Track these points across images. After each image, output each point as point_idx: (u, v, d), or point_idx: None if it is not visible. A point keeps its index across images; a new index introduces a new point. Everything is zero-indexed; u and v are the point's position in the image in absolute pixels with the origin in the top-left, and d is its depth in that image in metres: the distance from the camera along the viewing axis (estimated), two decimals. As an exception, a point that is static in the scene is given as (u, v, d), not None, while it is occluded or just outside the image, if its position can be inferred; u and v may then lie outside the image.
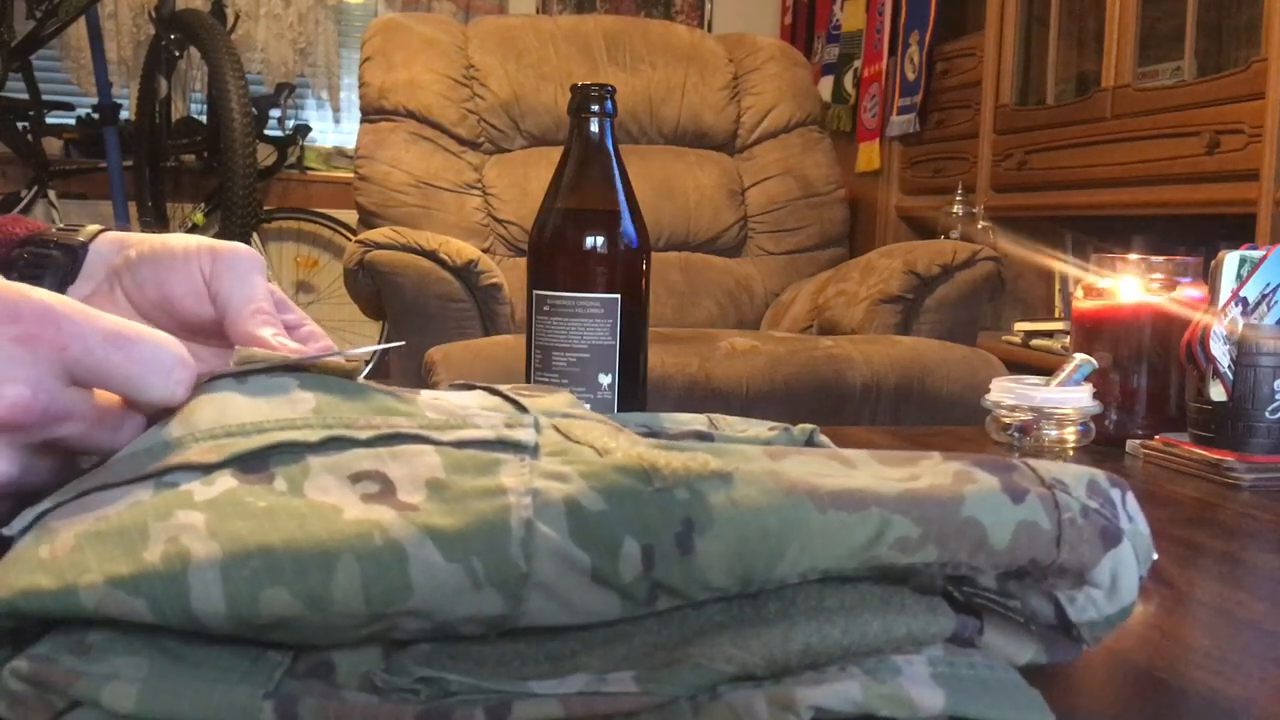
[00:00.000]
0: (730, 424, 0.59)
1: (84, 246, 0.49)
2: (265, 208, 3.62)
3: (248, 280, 0.47)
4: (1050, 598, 0.35)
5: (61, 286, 0.48)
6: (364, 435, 0.35)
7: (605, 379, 0.80)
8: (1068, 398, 0.86)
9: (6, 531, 0.33)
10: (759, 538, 0.32)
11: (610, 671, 0.31)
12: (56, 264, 0.48)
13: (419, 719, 0.30)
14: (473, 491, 0.33)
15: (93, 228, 0.50)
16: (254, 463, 0.34)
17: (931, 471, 0.35)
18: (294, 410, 0.36)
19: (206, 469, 0.33)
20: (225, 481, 0.33)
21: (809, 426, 0.58)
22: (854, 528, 0.32)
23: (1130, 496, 0.37)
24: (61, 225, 0.50)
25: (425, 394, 0.42)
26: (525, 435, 0.36)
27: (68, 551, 0.31)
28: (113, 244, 0.49)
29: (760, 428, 0.58)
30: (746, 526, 0.32)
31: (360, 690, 0.31)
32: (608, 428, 0.38)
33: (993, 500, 0.34)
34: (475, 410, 0.40)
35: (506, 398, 0.43)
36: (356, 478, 0.34)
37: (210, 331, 0.48)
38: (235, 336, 0.46)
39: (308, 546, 0.30)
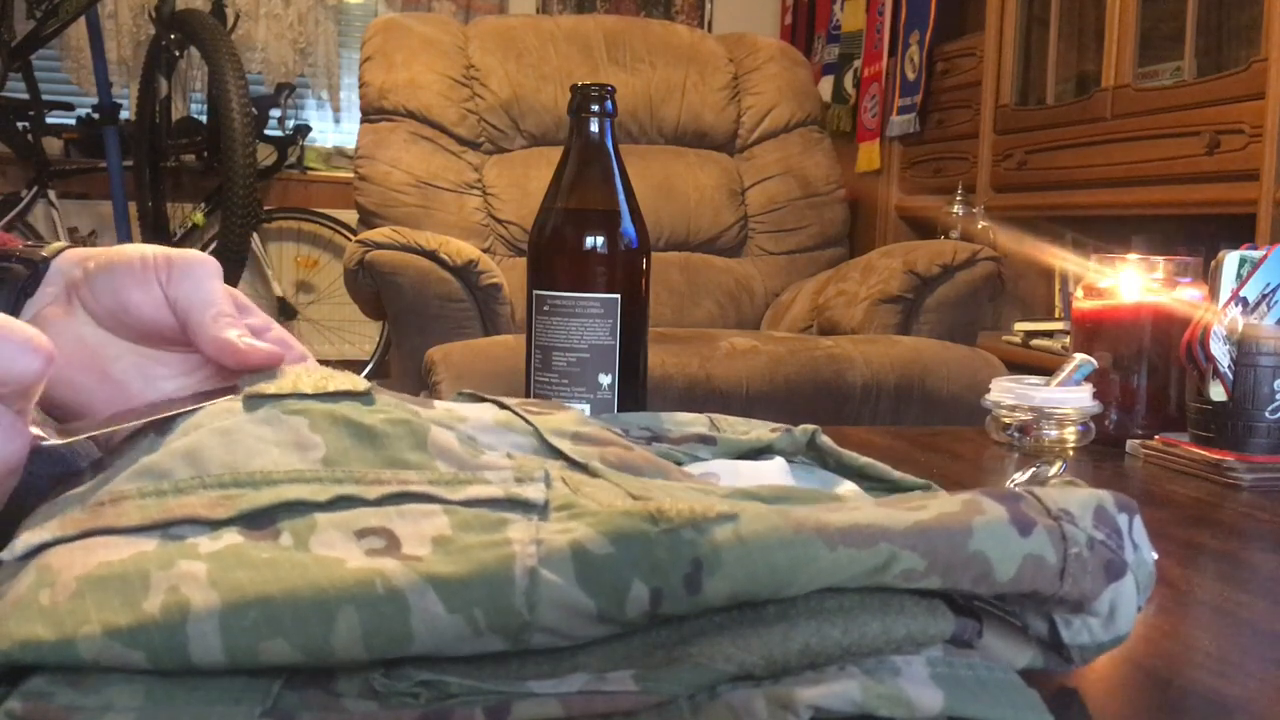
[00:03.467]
0: (732, 425, 0.58)
1: (45, 262, 0.48)
2: (265, 208, 3.62)
3: (205, 286, 0.47)
4: (1046, 618, 0.35)
5: (20, 299, 0.47)
6: (373, 495, 0.35)
7: (605, 379, 0.80)
8: (1068, 398, 0.86)
9: (5, 556, 0.33)
10: (767, 574, 0.31)
11: (610, 671, 0.31)
12: (16, 277, 0.47)
13: None
14: (477, 545, 0.32)
15: (58, 245, 0.50)
16: (261, 519, 0.34)
17: (940, 502, 0.34)
18: (303, 458, 0.36)
19: (214, 525, 0.33)
20: (231, 537, 0.33)
21: (810, 427, 0.57)
22: (862, 562, 0.32)
23: (1138, 521, 0.37)
24: (28, 242, 0.49)
25: (440, 406, 0.41)
26: (535, 493, 0.36)
27: (68, 598, 0.30)
28: (75, 260, 0.48)
29: (762, 429, 0.58)
30: (754, 565, 0.31)
31: (360, 697, 0.30)
32: (616, 490, 0.37)
33: (1000, 532, 0.33)
34: (484, 433, 0.39)
35: (516, 413, 0.43)
36: (362, 534, 0.34)
37: (171, 340, 0.48)
38: (200, 341, 0.46)
39: (308, 596, 0.30)
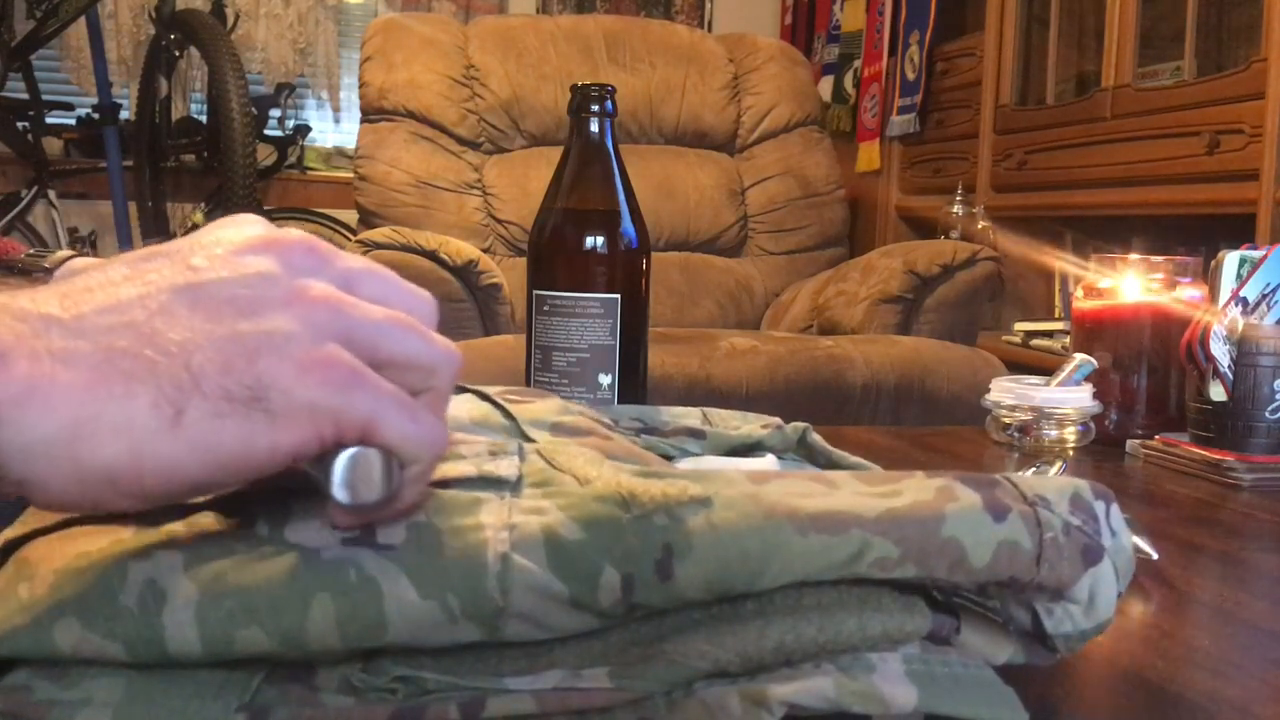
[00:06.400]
0: (724, 419, 0.59)
1: (47, 273, 0.48)
2: (265, 208, 3.61)
3: None
4: (1028, 608, 0.35)
5: None
6: None
7: (605, 379, 0.80)
8: (1068, 398, 0.86)
9: None
10: (739, 561, 0.31)
11: (585, 668, 0.31)
12: (14, 290, 0.47)
13: (392, 717, 0.29)
14: (450, 530, 0.33)
15: (61, 254, 0.49)
16: (235, 505, 0.34)
17: (914, 488, 0.34)
18: None
19: (186, 509, 0.33)
20: (206, 522, 0.33)
21: (801, 425, 0.57)
22: (835, 549, 0.32)
23: (1115, 509, 0.37)
24: (31, 251, 0.49)
25: None
26: (507, 470, 0.36)
27: (46, 590, 0.30)
28: (77, 269, 0.48)
29: (754, 424, 0.58)
30: (726, 550, 0.31)
31: (339, 692, 0.30)
32: (592, 454, 0.37)
33: (974, 519, 0.33)
34: (460, 431, 0.39)
35: (495, 404, 0.43)
36: None
37: None
38: None
39: (283, 585, 0.30)
